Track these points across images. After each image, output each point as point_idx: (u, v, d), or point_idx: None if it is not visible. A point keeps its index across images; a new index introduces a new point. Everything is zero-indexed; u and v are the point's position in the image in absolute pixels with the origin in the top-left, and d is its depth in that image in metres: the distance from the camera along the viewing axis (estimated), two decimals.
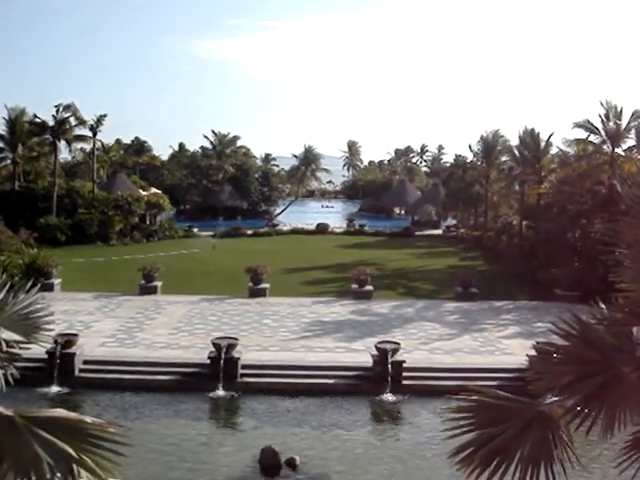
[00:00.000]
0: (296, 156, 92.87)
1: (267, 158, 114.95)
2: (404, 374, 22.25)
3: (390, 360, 22.03)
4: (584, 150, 46.45)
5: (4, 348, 5.47)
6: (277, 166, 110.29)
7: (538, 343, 20.09)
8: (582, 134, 45.06)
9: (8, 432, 4.90)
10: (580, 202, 39.26)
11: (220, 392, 21.60)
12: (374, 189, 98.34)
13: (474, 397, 5.72)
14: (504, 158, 59.34)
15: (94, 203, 55.84)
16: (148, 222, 61.99)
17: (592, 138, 44.25)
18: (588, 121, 43.19)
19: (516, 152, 54.40)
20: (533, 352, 21.15)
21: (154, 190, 72.02)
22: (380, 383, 21.76)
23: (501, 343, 26.20)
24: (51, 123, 55.97)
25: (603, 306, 5.74)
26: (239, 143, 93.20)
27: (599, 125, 42.88)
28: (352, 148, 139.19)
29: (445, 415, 5.84)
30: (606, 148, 43.32)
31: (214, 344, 22.61)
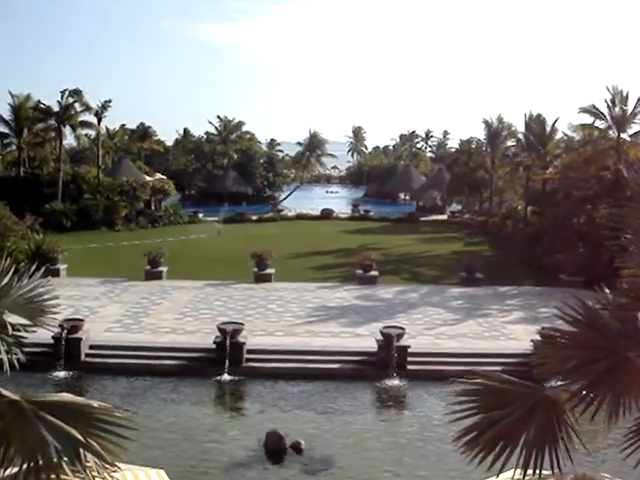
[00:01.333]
0: (301, 143, 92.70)
1: (272, 143, 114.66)
2: (409, 359, 22.29)
3: (395, 345, 22.07)
4: (590, 135, 46.28)
5: (10, 331, 5.49)
6: (282, 152, 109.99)
7: (543, 328, 20.13)
8: (588, 119, 44.91)
9: (15, 416, 4.93)
10: (585, 187, 39.12)
11: (226, 377, 21.67)
12: (379, 175, 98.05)
13: (479, 381, 5.74)
14: (509, 143, 59.16)
15: (99, 189, 55.85)
16: (153, 208, 61.96)
17: (598, 123, 44.10)
18: (594, 106, 43.01)
19: (521, 137, 54.20)
20: (537, 337, 21.23)
21: (159, 176, 72.00)
22: (385, 368, 21.80)
23: (505, 328, 26.21)
24: (56, 109, 55.92)
25: (608, 291, 5.74)
26: (244, 129, 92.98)
27: (605, 110, 42.69)
28: (357, 133, 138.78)
29: (450, 399, 5.85)
30: (612, 133, 43.14)
31: (219, 329, 22.67)
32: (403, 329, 23.08)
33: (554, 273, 34.06)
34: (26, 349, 5.70)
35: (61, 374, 21.78)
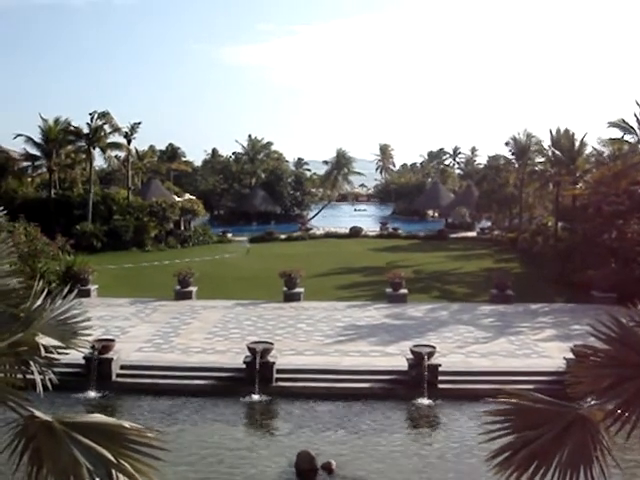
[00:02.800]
0: (327, 162, 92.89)
1: (299, 162, 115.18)
2: (440, 378, 22.11)
3: (426, 364, 21.92)
4: (619, 150, 45.88)
5: (43, 353, 5.53)
6: (309, 170, 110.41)
7: (576, 346, 19.91)
8: (617, 133, 44.52)
9: (47, 437, 4.95)
10: (616, 202, 38.76)
11: (256, 396, 21.66)
12: (407, 192, 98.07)
13: (512, 400, 5.67)
14: (538, 159, 58.83)
15: (129, 209, 56.37)
16: (182, 228, 62.42)
17: (627, 137, 43.69)
18: (623, 120, 42.59)
19: (549, 153, 53.88)
20: (570, 355, 21.00)
21: (188, 196, 72.48)
22: (416, 387, 21.64)
23: (538, 346, 25.93)
24: (86, 131, 56.61)
25: None
26: (272, 148, 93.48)
27: (634, 124, 42.27)
28: (384, 151, 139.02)
29: (483, 419, 5.79)
30: None
31: (249, 348, 22.67)
32: (434, 347, 22.92)
33: (586, 290, 33.71)
34: (57, 369, 5.74)
35: (92, 394, 21.88)
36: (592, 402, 5.41)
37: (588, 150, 52.43)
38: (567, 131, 52.20)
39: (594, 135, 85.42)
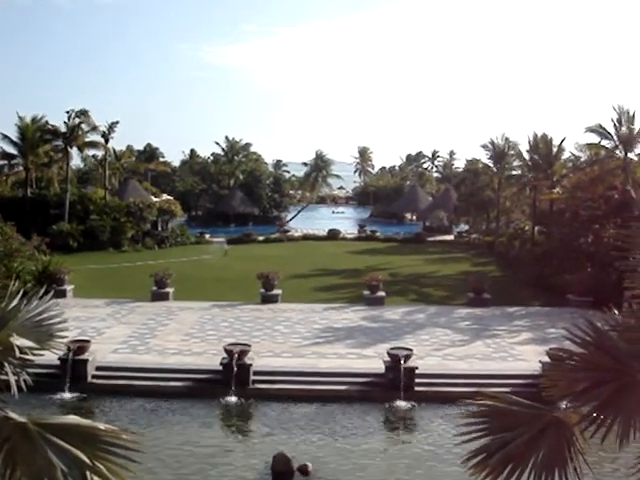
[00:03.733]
0: (306, 164, 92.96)
1: (278, 164, 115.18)
2: (416, 380, 22.17)
3: (402, 366, 21.97)
4: (597, 155, 46.32)
5: (17, 354, 5.49)
6: (288, 172, 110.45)
7: (552, 349, 20.04)
8: (595, 139, 44.94)
9: (21, 439, 4.91)
10: (593, 207, 39.12)
11: (232, 398, 21.60)
12: (385, 195, 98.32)
13: (488, 402, 5.70)
14: (515, 163, 59.21)
15: (106, 210, 56.03)
16: (160, 228, 62.19)
17: (604, 143, 44.11)
18: (600, 126, 43.03)
19: (527, 157, 54.29)
20: (546, 358, 21.13)
21: (166, 196, 72.29)
22: (392, 390, 21.69)
23: (514, 349, 26.09)
24: (63, 129, 56.22)
25: (616, 312, 5.71)
26: (250, 149, 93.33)
27: (611, 130, 42.71)
28: (363, 154, 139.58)
29: (459, 421, 5.81)
30: (619, 153, 43.14)
31: (226, 350, 22.61)
32: (411, 350, 22.98)
33: (562, 293, 33.97)
34: (32, 370, 5.69)
35: (67, 396, 21.72)
36: (567, 405, 5.44)
37: (566, 155, 52.93)
38: (545, 136, 52.62)
39: (572, 140, 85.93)
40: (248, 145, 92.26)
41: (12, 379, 5.42)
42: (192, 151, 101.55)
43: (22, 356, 5.53)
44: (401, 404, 21.44)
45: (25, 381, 5.57)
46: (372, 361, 23.76)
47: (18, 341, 5.54)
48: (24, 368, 5.58)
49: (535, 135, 53.41)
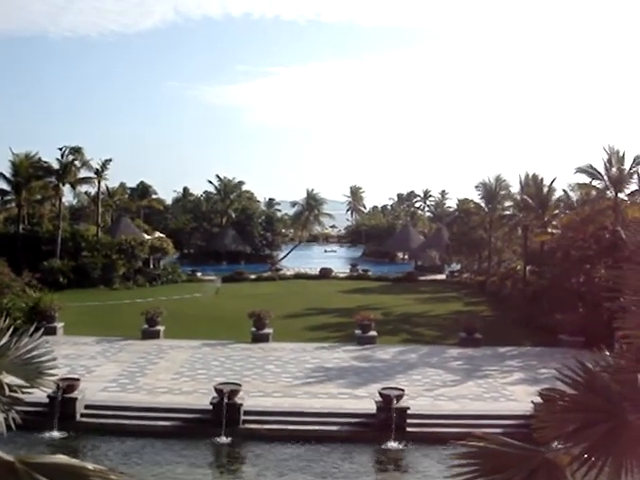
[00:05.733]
0: (296, 204, 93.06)
1: (270, 202, 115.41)
2: (408, 421, 22.05)
3: (394, 407, 21.85)
4: (587, 195, 46.57)
5: (6, 392, 5.45)
6: (280, 210, 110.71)
7: (543, 390, 19.98)
8: (585, 179, 45.20)
9: (9, 478, 4.86)
10: (584, 247, 39.27)
11: (222, 438, 21.41)
12: (377, 234, 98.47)
13: (479, 444, 5.67)
14: (507, 203, 59.53)
15: (98, 247, 55.95)
16: (152, 266, 62.05)
17: (595, 183, 44.37)
18: (591, 166, 43.27)
19: (518, 198, 54.57)
20: (538, 399, 21.06)
21: (158, 234, 72.25)
22: (384, 430, 21.54)
23: (505, 389, 26.01)
24: (56, 166, 56.33)
25: (608, 353, 5.72)
26: (243, 188, 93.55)
27: (602, 170, 42.96)
28: (355, 193, 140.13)
29: (450, 462, 5.78)
30: (609, 193, 43.39)
31: (216, 390, 22.47)
32: (402, 390, 22.89)
33: (554, 333, 33.96)
34: (21, 408, 5.64)
35: (56, 434, 21.50)
36: (558, 446, 5.42)
37: (557, 194, 53.22)
38: (535, 177, 53.00)
39: (564, 179, 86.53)
40: (241, 183, 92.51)
41: (1, 417, 5.37)
42: (185, 189, 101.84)
43: (11, 394, 5.49)
44: (393, 445, 21.29)
45: (14, 419, 5.52)
46: (363, 401, 23.65)
47: (7, 379, 5.51)
48: (13, 406, 5.54)
49: (526, 175, 53.82)
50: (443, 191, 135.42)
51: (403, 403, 22.30)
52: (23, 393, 5.58)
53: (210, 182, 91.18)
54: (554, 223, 50.19)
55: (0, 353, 5.62)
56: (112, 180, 74.00)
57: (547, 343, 33.54)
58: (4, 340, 5.71)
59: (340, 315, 41.68)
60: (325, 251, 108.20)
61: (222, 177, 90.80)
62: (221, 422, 21.58)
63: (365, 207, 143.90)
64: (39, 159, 57.34)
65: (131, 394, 24.57)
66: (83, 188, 64.26)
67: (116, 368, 27.85)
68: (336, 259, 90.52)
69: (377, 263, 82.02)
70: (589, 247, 38.94)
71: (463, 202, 75.12)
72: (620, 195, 43.12)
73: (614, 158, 42.64)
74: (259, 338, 33.62)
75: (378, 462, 20.91)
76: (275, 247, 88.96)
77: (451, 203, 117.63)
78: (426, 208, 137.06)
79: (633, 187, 43.98)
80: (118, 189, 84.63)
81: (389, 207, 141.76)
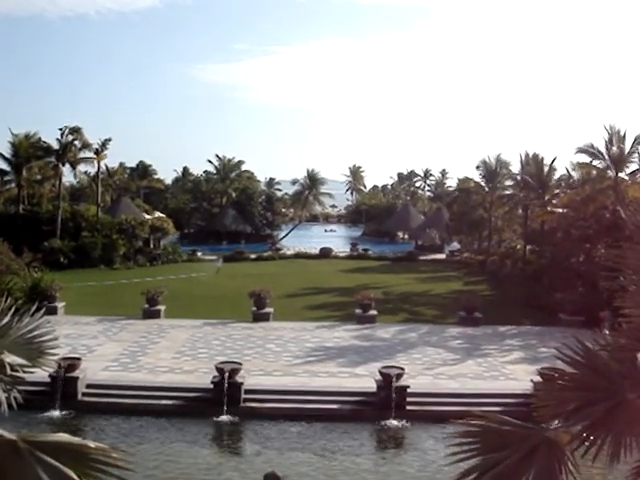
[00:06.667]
0: (295, 182, 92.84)
1: (270, 182, 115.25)
2: (408, 399, 22.14)
3: (394, 385, 21.94)
4: (588, 174, 46.48)
5: (8, 372, 5.47)
6: (280, 190, 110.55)
7: (543, 369, 20.05)
8: (586, 158, 45.10)
9: (11, 457, 4.88)
10: (584, 227, 39.25)
11: (223, 417, 21.51)
12: (377, 213, 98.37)
13: (479, 422, 5.69)
14: (507, 182, 59.43)
15: (98, 227, 55.91)
16: (152, 246, 62.03)
17: (596, 162, 44.28)
18: (592, 145, 43.16)
19: (519, 177, 54.49)
20: (537, 378, 21.13)
21: (158, 214, 72.15)
22: (384, 408, 21.65)
23: (505, 368, 26.09)
24: (56, 146, 56.21)
25: (607, 331, 5.74)
26: (243, 167, 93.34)
27: (603, 150, 42.86)
28: (355, 172, 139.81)
29: (449, 440, 5.80)
30: (610, 172, 43.31)
31: (217, 369, 22.54)
32: (402, 369, 22.96)
33: (553, 312, 34.01)
34: (22, 387, 5.66)
35: (57, 413, 21.61)
36: (558, 425, 5.44)
37: (557, 174, 53.12)
38: (536, 156, 52.87)
39: (565, 159, 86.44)
40: (240, 163, 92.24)
41: (2, 396, 5.39)
42: (185, 169, 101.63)
43: (13, 373, 5.51)
44: (392, 423, 21.39)
45: (15, 399, 5.54)
46: (364, 380, 23.73)
47: (9, 358, 5.52)
48: (15, 385, 5.56)
49: (527, 155, 53.69)
50: (443, 170, 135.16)
51: (403, 382, 22.37)
52: (25, 372, 5.60)
53: (210, 162, 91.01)
54: (554, 202, 50.14)
55: (2, 333, 5.63)
56: (112, 160, 73.97)
57: (547, 322, 33.59)
58: (6, 320, 5.72)
59: (340, 294, 41.74)
60: (325, 231, 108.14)
61: (221, 157, 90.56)
62: (222, 401, 21.67)
63: (365, 187, 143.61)
64: (39, 139, 57.24)
65: (132, 373, 24.65)
66: (83, 168, 64.09)
67: (117, 347, 27.93)
68: (336, 238, 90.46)
69: (377, 242, 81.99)
70: (589, 227, 38.93)
71: (463, 181, 74.99)
72: (621, 175, 43.04)
73: (615, 138, 42.51)
74: (260, 317, 33.70)
75: (378, 440, 21.01)
76: (275, 227, 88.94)
77: (451, 182, 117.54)
78: (426, 187, 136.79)
79: (634, 167, 43.93)
80: (118, 169, 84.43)
81: (389, 187, 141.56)
